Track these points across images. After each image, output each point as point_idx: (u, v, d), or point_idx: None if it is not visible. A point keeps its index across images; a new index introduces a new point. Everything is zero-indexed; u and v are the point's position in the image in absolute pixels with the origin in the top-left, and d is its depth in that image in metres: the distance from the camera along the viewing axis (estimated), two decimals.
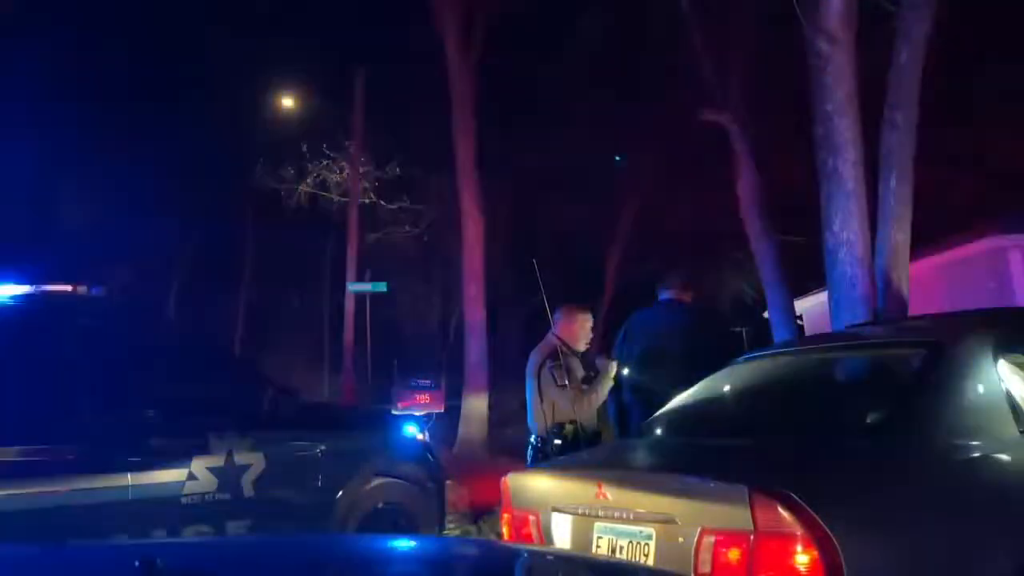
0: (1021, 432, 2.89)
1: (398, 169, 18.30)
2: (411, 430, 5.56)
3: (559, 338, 5.07)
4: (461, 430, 13.51)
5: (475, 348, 13.86)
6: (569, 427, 4.87)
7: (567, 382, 4.85)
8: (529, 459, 5.03)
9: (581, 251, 20.46)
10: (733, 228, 12.72)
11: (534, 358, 5.08)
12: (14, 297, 4.06)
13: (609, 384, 5.03)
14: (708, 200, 15.41)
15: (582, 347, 5.14)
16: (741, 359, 4.01)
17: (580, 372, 5.00)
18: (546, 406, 4.93)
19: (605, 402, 5.13)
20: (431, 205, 18.67)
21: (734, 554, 2.44)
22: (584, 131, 17.22)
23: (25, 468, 3.49)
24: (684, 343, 5.02)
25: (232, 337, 23.60)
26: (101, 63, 17.34)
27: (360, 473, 4.84)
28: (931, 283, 11.30)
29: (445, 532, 5.63)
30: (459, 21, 13.50)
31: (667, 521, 2.64)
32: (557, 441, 4.85)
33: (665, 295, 5.47)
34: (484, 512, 7.05)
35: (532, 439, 5.08)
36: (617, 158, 19.85)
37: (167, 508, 3.87)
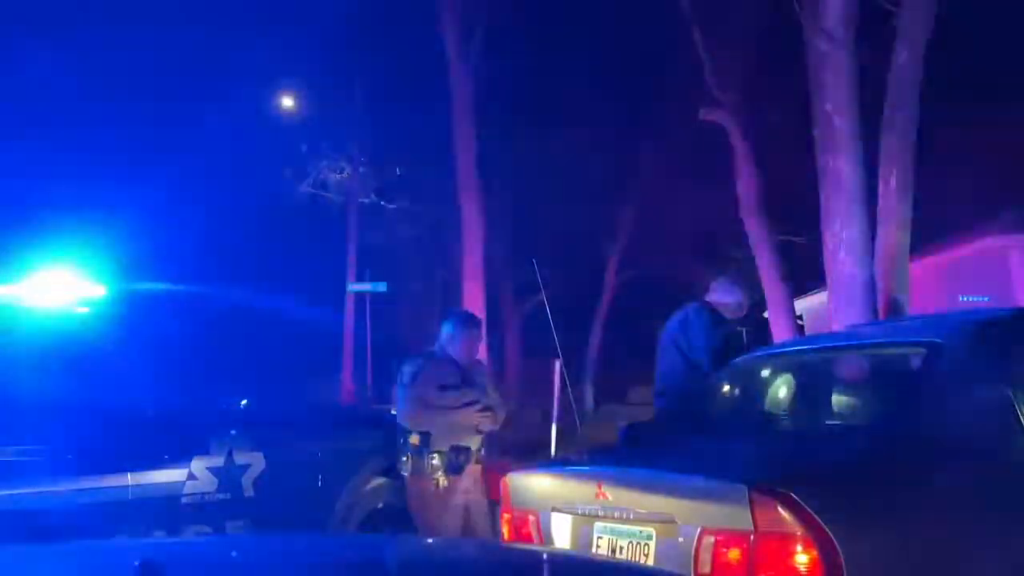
0: (1020, 431, 2.89)
1: (398, 169, 18.29)
2: None
3: (442, 344, 4.73)
4: None
5: None
6: (414, 437, 4.44)
7: (408, 382, 4.48)
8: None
9: (581, 251, 20.44)
10: (733, 228, 12.72)
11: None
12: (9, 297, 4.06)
13: (475, 415, 4.53)
14: (708, 200, 15.40)
15: (464, 360, 4.72)
16: (741, 359, 4.01)
17: (448, 380, 4.54)
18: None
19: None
20: (431, 205, 18.65)
21: (734, 554, 2.44)
22: (584, 131, 17.21)
23: (25, 468, 3.49)
24: (679, 346, 5.01)
25: (232, 336, 23.57)
26: (102, 59, 17.33)
27: (360, 473, 4.83)
28: (931, 283, 11.31)
29: None
30: (460, 21, 13.50)
31: (667, 521, 2.63)
32: (403, 457, 4.46)
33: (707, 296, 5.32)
34: None
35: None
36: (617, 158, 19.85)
37: (167, 508, 3.86)
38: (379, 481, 4.94)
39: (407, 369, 4.64)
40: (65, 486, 3.55)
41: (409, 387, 4.54)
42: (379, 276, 17.26)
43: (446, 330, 4.84)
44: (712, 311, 5.13)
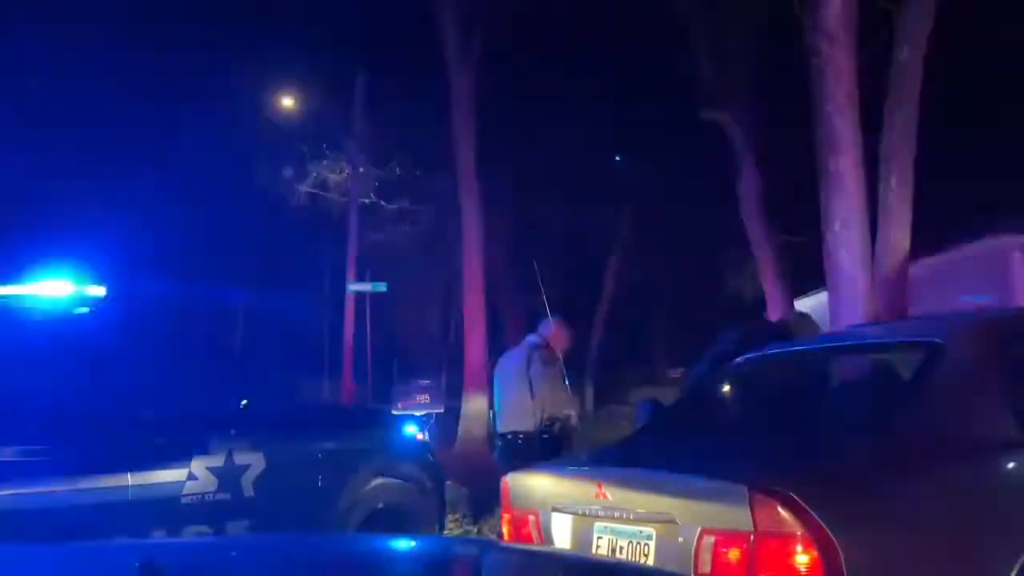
0: (1020, 431, 2.89)
1: (398, 169, 18.29)
2: (411, 430, 5.56)
3: (545, 339, 5.44)
4: (461, 430, 13.51)
5: (475, 348, 13.86)
6: (574, 418, 5.26)
7: (551, 368, 5.24)
8: (503, 457, 5.26)
9: (581, 251, 20.45)
10: (733, 228, 12.74)
11: (517, 356, 5.31)
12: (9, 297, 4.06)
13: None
14: (708, 200, 15.42)
15: (560, 353, 5.54)
16: (741, 359, 4.01)
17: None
18: (536, 403, 5.17)
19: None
20: (431, 205, 18.65)
21: (734, 554, 2.44)
22: (584, 131, 17.22)
23: (25, 468, 3.49)
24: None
25: (232, 337, 23.59)
26: (101, 60, 17.34)
27: (360, 473, 4.83)
28: (931, 283, 11.29)
29: (445, 532, 5.63)
30: (459, 21, 13.50)
31: (667, 521, 2.63)
32: (544, 436, 5.15)
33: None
34: (484, 512, 7.04)
35: (503, 439, 5.37)
36: (617, 158, 19.85)
37: (167, 508, 3.86)
38: (379, 481, 4.94)
39: (542, 354, 5.35)
40: (65, 486, 3.55)
41: (553, 373, 5.27)
42: (379, 276, 17.27)
43: (556, 326, 5.58)
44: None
